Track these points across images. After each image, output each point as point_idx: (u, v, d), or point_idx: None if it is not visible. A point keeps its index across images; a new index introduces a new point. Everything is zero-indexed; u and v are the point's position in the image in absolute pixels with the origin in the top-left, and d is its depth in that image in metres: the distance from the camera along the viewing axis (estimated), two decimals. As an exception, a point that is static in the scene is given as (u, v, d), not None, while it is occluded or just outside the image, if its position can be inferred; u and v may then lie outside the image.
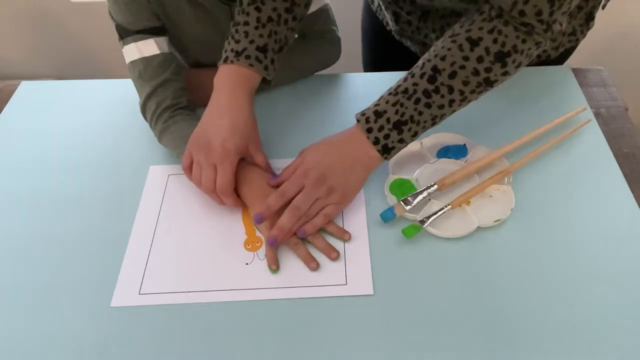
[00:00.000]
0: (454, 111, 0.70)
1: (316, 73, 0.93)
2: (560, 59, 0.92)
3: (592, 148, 0.78)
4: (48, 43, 1.68)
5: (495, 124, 0.81)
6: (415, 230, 0.67)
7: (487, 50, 0.65)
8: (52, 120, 0.88)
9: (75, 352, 0.60)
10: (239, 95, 0.72)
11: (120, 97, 0.91)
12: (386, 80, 0.92)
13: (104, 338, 0.61)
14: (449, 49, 0.67)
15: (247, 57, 0.71)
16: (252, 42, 0.72)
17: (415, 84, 0.67)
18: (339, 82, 0.92)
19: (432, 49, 0.69)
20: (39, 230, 0.72)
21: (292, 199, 0.68)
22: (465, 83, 0.67)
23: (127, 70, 0.81)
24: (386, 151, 0.68)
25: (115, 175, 0.78)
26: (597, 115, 0.83)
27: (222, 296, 0.64)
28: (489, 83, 0.68)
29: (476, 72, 0.66)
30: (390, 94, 0.69)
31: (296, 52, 0.86)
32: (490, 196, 0.72)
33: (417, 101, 0.67)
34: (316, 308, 0.62)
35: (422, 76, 0.67)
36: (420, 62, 0.69)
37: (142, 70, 0.79)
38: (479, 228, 0.68)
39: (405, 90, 0.67)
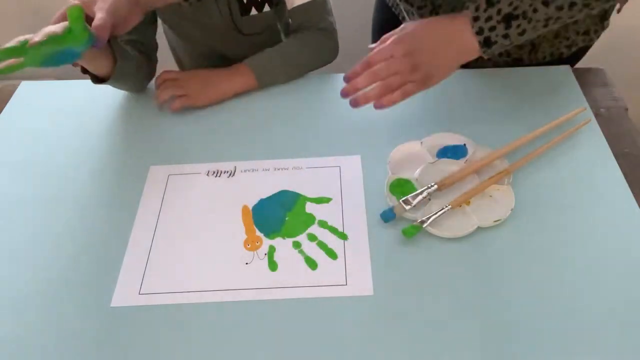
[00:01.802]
0: (570, 18, 0.65)
1: (320, 73, 0.93)
2: (573, 58, 0.91)
3: (592, 148, 0.78)
4: (48, 43, 1.68)
5: (494, 123, 0.81)
6: (415, 230, 0.67)
7: None
8: (52, 120, 0.88)
9: (75, 352, 0.60)
10: None
11: (120, 97, 0.91)
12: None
13: (104, 338, 0.61)
14: None
15: None
16: None
17: None
18: (339, 83, 0.92)
19: None
20: (39, 230, 0.72)
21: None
22: None
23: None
24: (487, 44, 0.65)
25: (116, 175, 0.78)
26: (597, 115, 0.83)
27: (221, 296, 0.64)
28: None
29: None
30: None
31: (291, 47, 0.86)
32: (490, 196, 0.72)
33: None
34: (316, 308, 0.62)
35: None
36: None
37: None
38: (478, 228, 0.68)
39: None
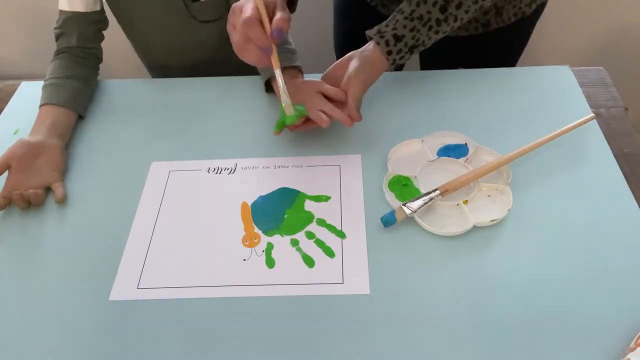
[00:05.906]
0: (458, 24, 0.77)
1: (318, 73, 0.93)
2: (535, 16, 0.96)
3: (592, 148, 0.77)
4: (48, 43, 1.68)
5: (495, 123, 0.81)
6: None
7: None
8: (52, 119, 0.88)
9: (73, 345, 0.60)
10: None
11: (120, 96, 0.91)
12: (383, 82, 0.92)
13: (102, 331, 0.61)
14: None
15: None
16: None
17: (429, 12, 0.74)
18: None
19: None
20: (40, 225, 0.72)
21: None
22: (467, 12, 0.75)
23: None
24: (393, 64, 0.76)
25: (118, 170, 0.79)
26: (597, 115, 0.83)
27: (219, 292, 0.64)
28: (478, 9, 0.76)
29: (476, 1, 0.74)
30: (406, 18, 0.75)
31: None
32: (489, 196, 0.71)
33: (430, 28, 0.75)
34: (312, 306, 0.62)
35: (434, 4, 0.74)
36: None
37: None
38: (475, 227, 0.68)
39: (420, 17, 0.74)
